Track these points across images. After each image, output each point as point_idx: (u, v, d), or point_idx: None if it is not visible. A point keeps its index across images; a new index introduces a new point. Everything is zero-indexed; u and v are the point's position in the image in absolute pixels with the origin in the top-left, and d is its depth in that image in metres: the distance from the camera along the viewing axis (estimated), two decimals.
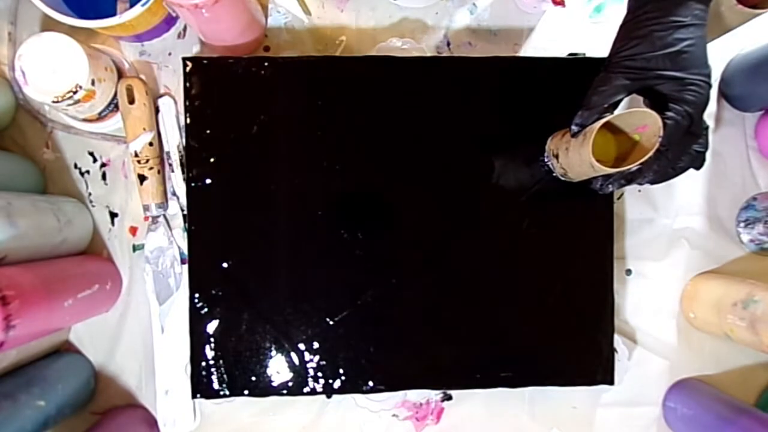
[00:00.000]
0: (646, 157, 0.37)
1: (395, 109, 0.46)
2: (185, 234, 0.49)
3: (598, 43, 0.51)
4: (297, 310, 0.45)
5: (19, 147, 0.50)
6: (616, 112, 0.39)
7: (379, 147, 0.46)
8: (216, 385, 0.45)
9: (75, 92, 0.42)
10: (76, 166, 0.50)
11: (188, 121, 0.45)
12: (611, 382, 0.47)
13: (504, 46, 0.52)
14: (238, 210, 0.45)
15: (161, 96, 0.50)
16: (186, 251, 0.48)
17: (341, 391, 0.46)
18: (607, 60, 0.39)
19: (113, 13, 0.43)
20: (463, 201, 0.46)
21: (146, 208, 0.48)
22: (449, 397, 0.51)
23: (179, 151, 0.49)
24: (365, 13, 0.51)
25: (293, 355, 0.45)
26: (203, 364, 0.45)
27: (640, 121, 0.38)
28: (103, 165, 0.50)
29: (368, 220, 0.46)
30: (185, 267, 0.48)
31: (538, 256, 0.47)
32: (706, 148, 0.40)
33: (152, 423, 0.49)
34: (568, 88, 0.43)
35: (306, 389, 0.45)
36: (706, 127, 0.39)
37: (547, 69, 0.47)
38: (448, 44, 0.52)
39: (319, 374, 0.45)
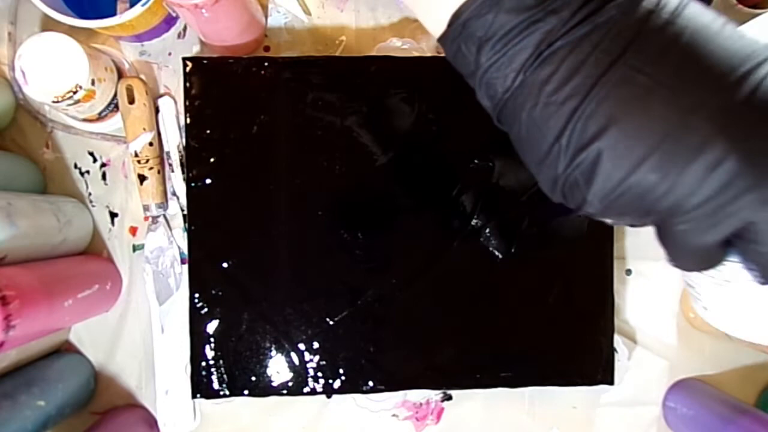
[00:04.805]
0: None
1: (395, 109, 0.46)
2: (185, 234, 0.49)
3: None
4: (297, 310, 0.45)
5: (19, 147, 0.50)
6: None
7: (379, 147, 0.46)
8: (216, 385, 0.45)
9: (75, 92, 0.42)
10: (76, 166, 0.50)
11: (188, 121, 0.45)
12: (611, 382, 0.47)
13: None
14: (238, 210, 0.45)
15: (161, 96, 0.50)
16: (186, 251, 0.48)
17: (341, 391, 0.46)
18: None
19: (113, 13, 0.43)
20: (464, 200, 0.46)
21: (146, 208, 0.48)
22: (449, 397, 0.51)
23: (179, 151, 0.49)
24: (365, 13, 0.51)
25: (293, 355, 0.45)
26: (203, 364, 0.45)
27: None
28: (103, 165, 0.50)
29: (368, 220, 0.46)
30: (185, 267, 0.48)
31: (538, 256, 0.47)
32: None
33: (152, 423, 0.49)
34: None
35: (306, 389, 0.45)
36: None
37: None
38: None
39: (319, 374, 0.45)
